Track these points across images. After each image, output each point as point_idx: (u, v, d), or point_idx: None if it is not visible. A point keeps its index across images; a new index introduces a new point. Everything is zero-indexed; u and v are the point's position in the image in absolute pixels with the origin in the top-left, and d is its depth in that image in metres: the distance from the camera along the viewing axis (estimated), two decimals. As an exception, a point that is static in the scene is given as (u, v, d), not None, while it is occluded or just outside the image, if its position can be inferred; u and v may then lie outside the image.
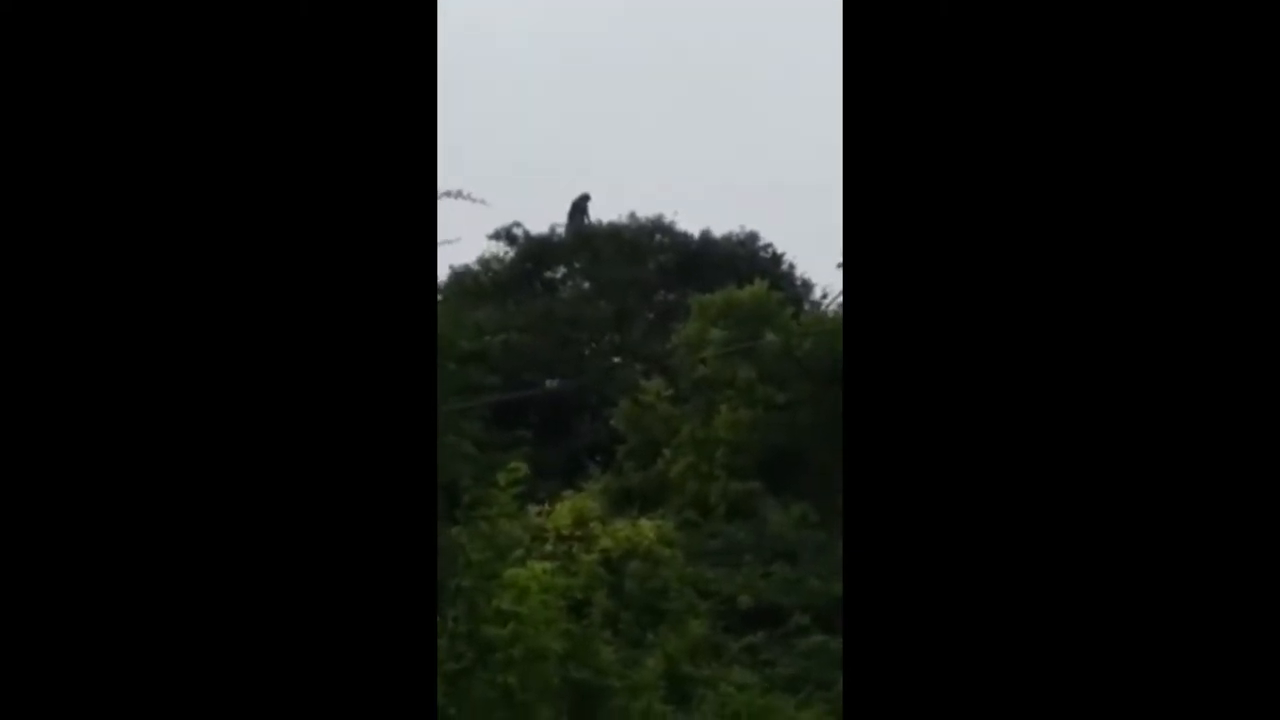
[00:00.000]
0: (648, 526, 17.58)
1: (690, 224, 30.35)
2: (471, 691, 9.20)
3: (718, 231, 30.45)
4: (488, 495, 9.92)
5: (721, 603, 16.75)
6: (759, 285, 23.09)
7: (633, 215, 29.89)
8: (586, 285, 29.80)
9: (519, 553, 10.71)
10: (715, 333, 22.22)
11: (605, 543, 16.71)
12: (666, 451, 21.65)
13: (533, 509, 15.96)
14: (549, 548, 15.60)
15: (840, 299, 21.71)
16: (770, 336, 21.71)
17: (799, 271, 29.97)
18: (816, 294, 28.41)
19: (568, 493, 18.67)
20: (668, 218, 30.16)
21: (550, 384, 26.07)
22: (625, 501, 20.49)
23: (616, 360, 28.00)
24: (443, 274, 26.87)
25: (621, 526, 17.40)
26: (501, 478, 10.06)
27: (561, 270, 30.18)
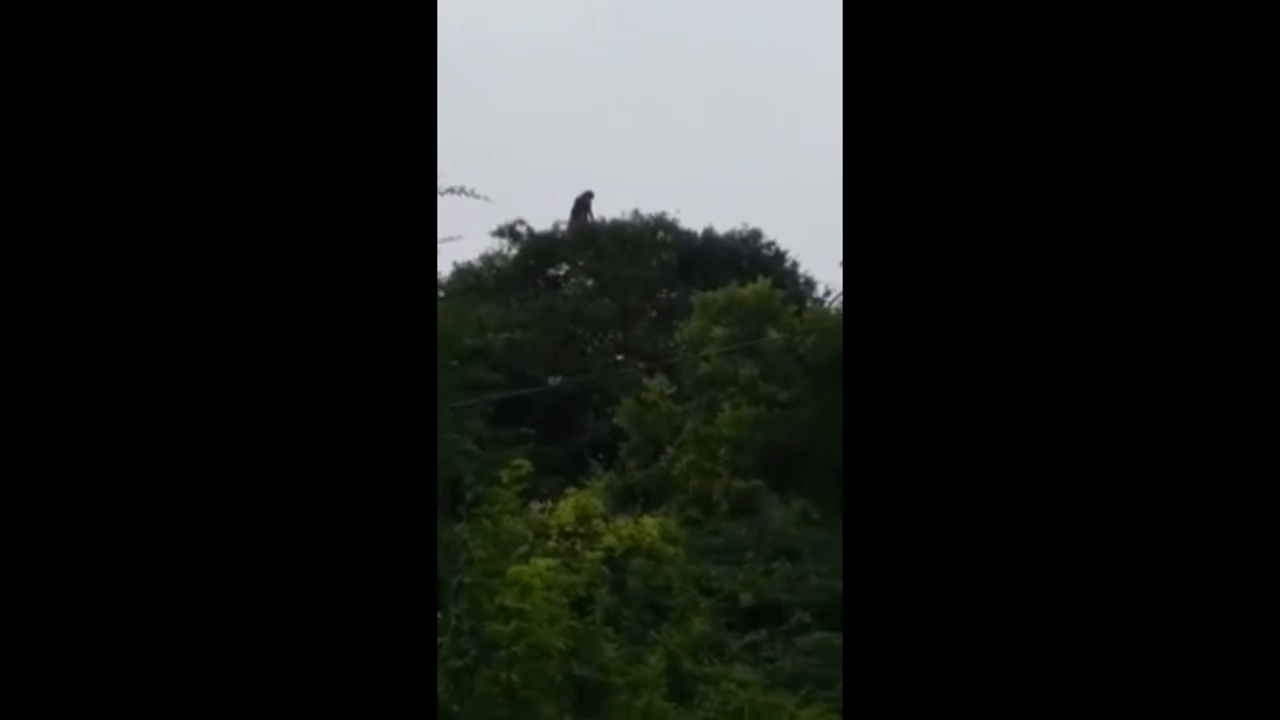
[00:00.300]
0: (650, 524, 17.57)
1: (693, 222, 30.43)
2: (474, 688, 9.20)
3: (721, 229, 30.53)
4: (491, 492, 9.91)
5: (724, 600, 16.72)
6: (762, 283, 23.10)
7: (636, 213, 29.94)
8: (590, 283, 29.84)
9: (522, 550, 10.69)
10: (718, 330, 22.24)
11: (608, 540, 16.70)
12: (669, 449, 21.67)
13: (536, 506, 15.97)
14: (552, 545, 15.58)
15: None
16: (773, 334, 21.73)
17: (802, 269, 30.06)
18: (819, 292, 28.49)
19: (571, 490, 18.68)
20: (671, 215, 30.23)
21: (553, 381, 26.10)
22: (628, 499, 20.50)
23: (619, 357, 28.05)
24: (446, 271, 26.95)
25: (624, 524, 17.39)
26: (504, 475, 10.04)
27: (565, 267, 30.22)
